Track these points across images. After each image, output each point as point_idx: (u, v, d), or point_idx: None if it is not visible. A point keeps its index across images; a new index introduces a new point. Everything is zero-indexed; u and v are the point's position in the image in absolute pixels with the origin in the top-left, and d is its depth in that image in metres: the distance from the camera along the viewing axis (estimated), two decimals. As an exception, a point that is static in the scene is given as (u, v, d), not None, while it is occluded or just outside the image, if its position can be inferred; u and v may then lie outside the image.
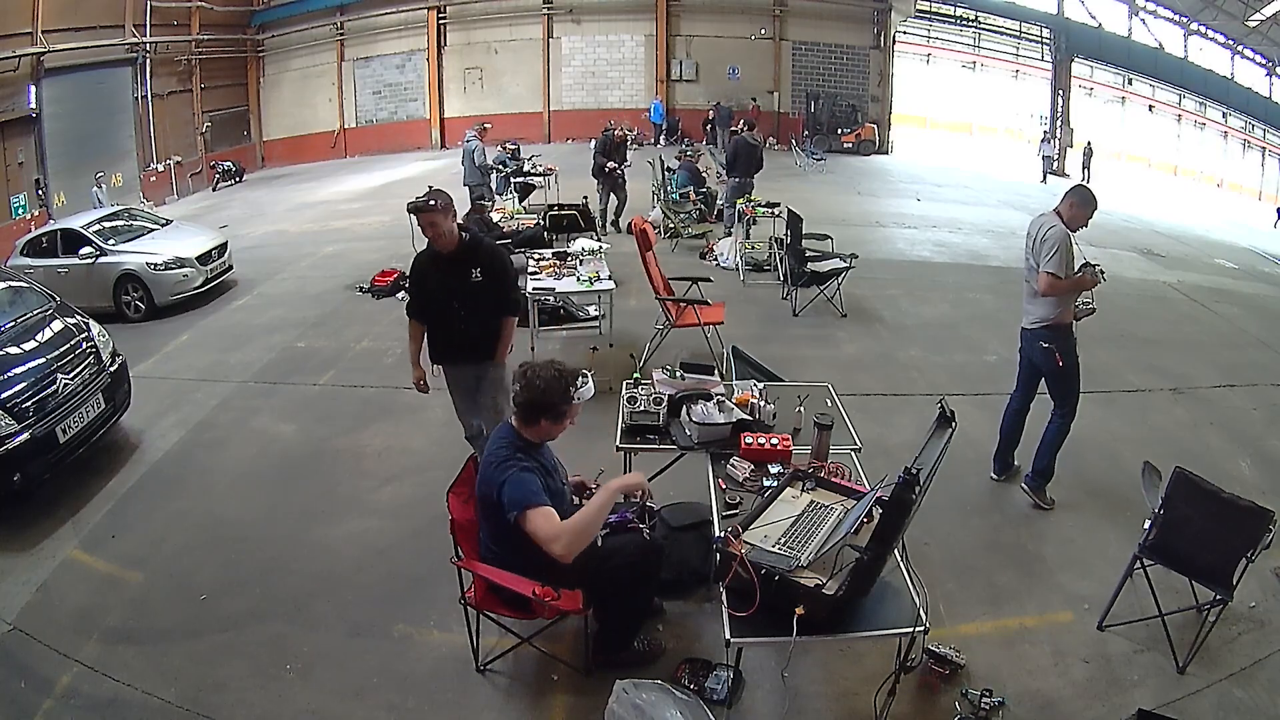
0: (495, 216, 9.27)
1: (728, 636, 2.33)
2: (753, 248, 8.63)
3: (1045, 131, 18.06)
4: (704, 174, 11.56)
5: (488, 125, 10.71)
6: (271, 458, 4.87)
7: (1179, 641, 3.11)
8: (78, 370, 4.69)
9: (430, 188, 3.84)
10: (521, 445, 2.77)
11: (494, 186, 10.39)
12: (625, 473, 3.58)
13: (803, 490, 2.88)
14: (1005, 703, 2.88)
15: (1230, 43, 20.10)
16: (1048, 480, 4.18)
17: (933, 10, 20.75)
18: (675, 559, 3.31)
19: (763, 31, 19.52)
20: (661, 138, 19.45)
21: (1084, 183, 18.32)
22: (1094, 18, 19.66)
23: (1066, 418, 4.08)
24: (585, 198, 9.81)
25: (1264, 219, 18.03)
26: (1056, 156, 17.84)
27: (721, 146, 16.57)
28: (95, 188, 12.94)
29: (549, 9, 19.57)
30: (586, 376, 2.82)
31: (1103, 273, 3.90)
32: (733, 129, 12.66)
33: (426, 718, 2.92)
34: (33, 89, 13.58)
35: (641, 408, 3.41)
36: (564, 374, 2.76)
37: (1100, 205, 3.92)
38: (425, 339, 3.96)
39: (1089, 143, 19.60)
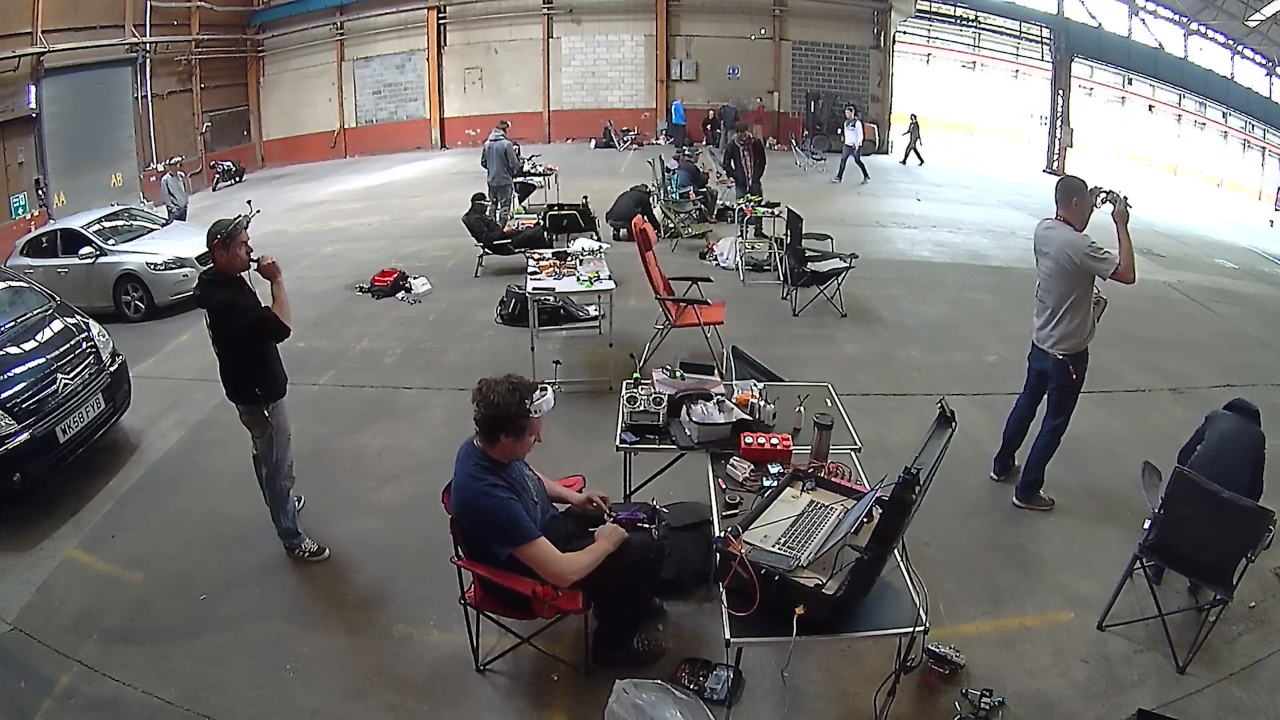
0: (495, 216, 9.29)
1: (728, 636, 2.33)
2: (752, 248, 8.63)
3: (851, 110, 15.10)
4: (704, 174, 11.57)
5: (508, 123, 10.77)
6: (271, 458, 4.86)
7: (1179, 641, 3.12)
8: (78, 370, 4.69)
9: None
10: (490, 466, 2.69)
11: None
12: (625, 472, 3.61)
13: (803, 490, 2.88)
14: (1005, 703, 2.88)
15: (1230, 43, 20.06)
16: (1038, 489, 4.16)
17: (933, 10, 20.70)
18: (675, 559, 3.31)
19: (763, 31, 19.51)
20: (661, 137, 19.45)
21: (903, 162, 17.34)
22: (1094, 18, 19.62)
23: (1058, 430, 4.04)
24: (585, 197, 9.82)
25: (1262, 218, 17.93)
26: (862, 147, 14.82)
27: (722, 147, 16.60)
28: (169, 175, 11.59)
29: (549, 9, 19.56)
30: (546, 389, 2.72)
31: (1126, 199, 3.63)
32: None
33: (426, 718, 2.92)
34: (33, 89, 13.56)
35: (641, 408, 3.41)
36: (519, 387, 2.64)
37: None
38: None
39: (913, 116, 17.88)
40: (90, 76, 15.13)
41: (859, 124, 15.09)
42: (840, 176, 14.67)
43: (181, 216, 10.94)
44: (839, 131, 17.34)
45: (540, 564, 2.65)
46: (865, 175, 14.78)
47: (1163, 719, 2.70)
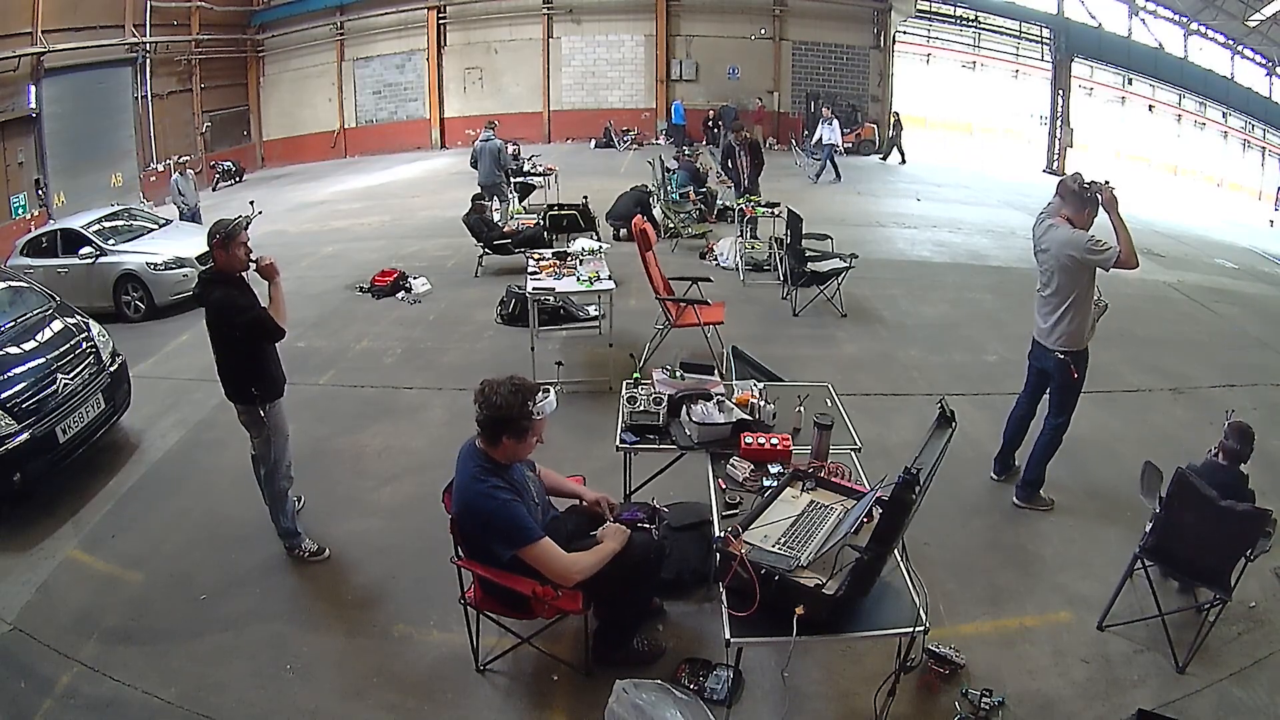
0: (496, 216, 9.30)
1: (728, 636, 2.33)
2: (752, 248, 8.63)
3: (829, 109, 14.63)
4: (704, 174, 11.57)
5: (497, 123, 10.77)
6: (271, 458, 4.86)
7: (1179, 641, 3.12)
8: (78, 370, 4.69)
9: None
10: (491, 468, 2.69)
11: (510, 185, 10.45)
12: (625, 472, 3.61)
13: (803, 490, 2.88)
14: (1005, 703, 2.88)
15: (1230, 43, 20.06)
16: (1038, 488, 4.15)
17: (933, 10, 20.69)
18: (675, 559, 3.31)
19: (763, 31, 19.51)
20: (661, 137, 19.44)
21: (894, 163, 17.34)
22: (1094, 18, 19.62)
23: (1060, 429, 4.03)
24: (585, 197, 9.82)
25: (1262, 218, 17.92)
26: (832, 147, 14.11)
27: (721, 147, 16.58)
28: (177, 175, 11.38)
29: (549, 9, 19.56)
30: (548, 390, 2.72)
31: (1109, 184, 3.61)
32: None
33: (426, 718, 2.92)
34: (33, 89, 13.56)
35: (641, 408, 3.41)
36: (521, 389, 2.63)
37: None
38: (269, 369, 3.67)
39: (896, 113, 17.97)
40: (90, 76, 15.13)
41: (835, 122, 15.07)
42: (839, 177, 14.60)
43: (194, 217, 10.84)
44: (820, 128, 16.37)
45: (545, 564, 2.65)
46: (817, 177, 14.60)
47: (1163, 719, 2.70)
